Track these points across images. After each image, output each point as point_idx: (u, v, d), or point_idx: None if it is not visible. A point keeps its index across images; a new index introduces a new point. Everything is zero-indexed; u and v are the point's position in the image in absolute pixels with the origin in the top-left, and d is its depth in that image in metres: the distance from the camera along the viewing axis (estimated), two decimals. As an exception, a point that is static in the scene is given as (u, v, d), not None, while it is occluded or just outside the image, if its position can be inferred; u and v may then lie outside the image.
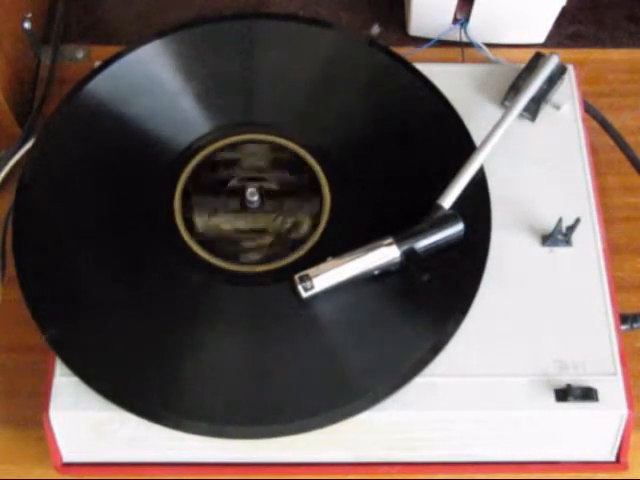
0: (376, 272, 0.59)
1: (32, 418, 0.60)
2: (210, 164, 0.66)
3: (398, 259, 0.59)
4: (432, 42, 0.78)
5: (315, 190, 0.64)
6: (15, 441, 0.63)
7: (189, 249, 0.62)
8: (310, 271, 0.58)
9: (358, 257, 0.58)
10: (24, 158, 0.69)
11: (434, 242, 0.59)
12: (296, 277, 0.58)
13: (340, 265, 0.58)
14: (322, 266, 0.58)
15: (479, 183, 0.63)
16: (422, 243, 0.59)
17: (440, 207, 0.60)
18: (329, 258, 0.59)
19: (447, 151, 0.65)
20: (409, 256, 0.59)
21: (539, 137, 0.67)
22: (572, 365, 0.59)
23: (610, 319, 0.60)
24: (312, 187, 0.65)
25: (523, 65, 0.69)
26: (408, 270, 0.59)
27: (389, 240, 0.59)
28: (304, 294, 0.58)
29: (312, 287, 0.58)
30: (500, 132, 0.64)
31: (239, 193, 0.64)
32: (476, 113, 0.67)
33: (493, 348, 0.59)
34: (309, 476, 0.60)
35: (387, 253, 0.59)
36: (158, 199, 0.64)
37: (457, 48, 0.77)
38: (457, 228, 0.60)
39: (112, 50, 0.69)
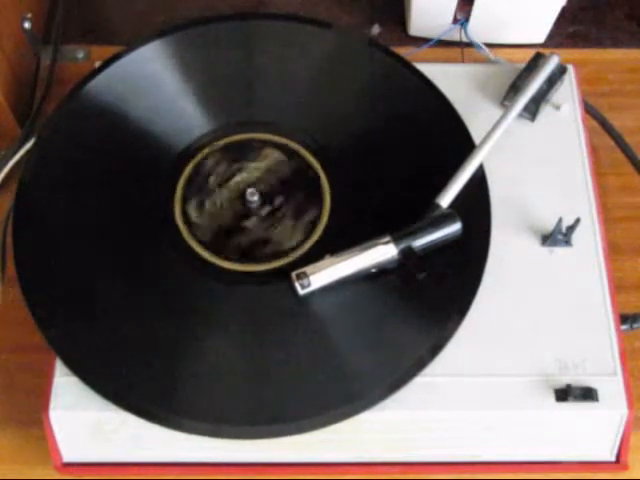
0: (373, 270, 0.59)
1: (32, 418, 0.60)
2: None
3: (395, 257, 0.59)
4: (432, 42, 0.78)
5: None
6: (15, 441, 0.63)
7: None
8: (307, 268, 0.58)
9: (355, 255, 0.59)
10: (24, 158, 0.69)
11: (431, 241, 0.59)
12: (293, 274, 0.58)
13: (337, 263, 0.58)
14: (319, 264, 0.58)
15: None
16: (419, 242, 0.59)
17: (438, 206, 0.60)
18: (327, 255, 0.59)
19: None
20: (406, 255, 0.59)
21: (539, 137, 0.67)
22: (572, 365, 0.59)
23: (610, 319, 0.60)
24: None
25: (523, 65, 0.69)
26: (405, 268, 0.59)
27: (386, 238, 0.59)
28: (301, 291, 0.58)
29: (309, 284, 0.58)
30: (499, 132, 0.64)
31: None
32: (476, 113, 0.67)
33: (493, 348, 0.59)
34: (309, 476, 0.60)
35: (384, 251, 0.59)
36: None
37: (457, 48, 0.77)
38: (455, 227, 0.60)
39: (112, 50, 0.69)
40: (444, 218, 0.60)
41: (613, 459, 0.60)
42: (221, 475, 0.59)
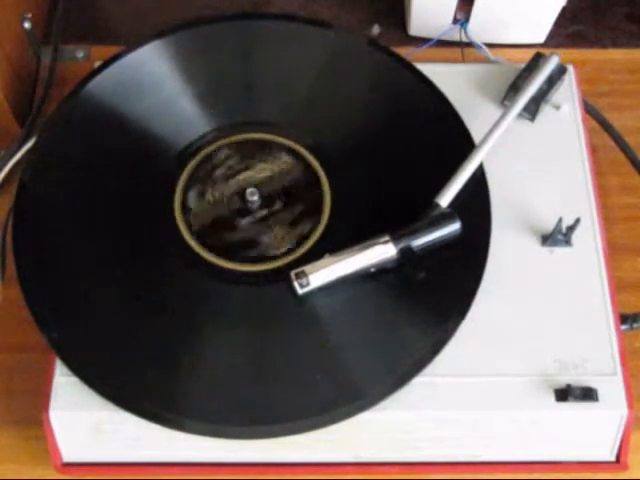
0: (373, 269, 0.59)
1: (32, 418, 0.60)
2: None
3: (394, 257, 0.59)
4: (432, 42, 0.78)
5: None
6: (15, 441, 0.63)
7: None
8: (306, 268, 0.58)
9: (354, 254, 0.59)
10: (24, 158, 0.69)
11: (431, 240, 0.59)
12: (292, 273, 0.58)
13: (336, 262, 0.58)
14: (318, 263, 0.59)
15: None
16: (418, 241, 0.59)
17: (438, 205, 0.60)
18: (326, 255, 0.59)
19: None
20: (405, 254, 0.59)
21: (539, 137, 0.67)
22: (572, 365, 0.59)
23: (610, 319, 0.60)
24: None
25: (523, 65, 0.69)
26: (405, 268, 0.59)
27: (386, 238, 0.59)
28: (300, 291, 0.58)
29: (308, 283, 0.58)
30: (499, 131, 0.64)
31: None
32: (476, 113, 0.67)
33: (493, 348, 0.59)
34: (309, 476, 0.60)
35: (383, 251, 0.59)
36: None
37: (457, 48, 0.77)
38: (454, 227, 0.59)
39: (112, 50, 0.69)
40: (443, 217, 0.60)
41: (613, 459, 0.60)
42: (221, 475, 0.59)
